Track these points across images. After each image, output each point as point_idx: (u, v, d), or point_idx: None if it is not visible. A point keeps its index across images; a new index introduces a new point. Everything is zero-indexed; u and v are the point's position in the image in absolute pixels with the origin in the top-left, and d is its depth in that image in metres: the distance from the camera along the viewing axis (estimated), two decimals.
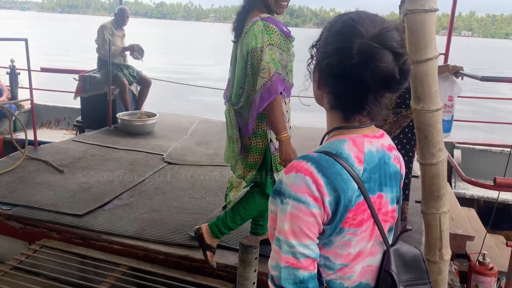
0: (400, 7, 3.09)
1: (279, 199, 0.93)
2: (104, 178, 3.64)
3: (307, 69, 1.02)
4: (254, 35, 2.12)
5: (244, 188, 2.45)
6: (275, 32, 2.15)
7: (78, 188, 3.40)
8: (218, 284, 2.35)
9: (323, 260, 0.97)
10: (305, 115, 6.44)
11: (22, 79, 6.03)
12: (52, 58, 21.70)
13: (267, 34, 2.12)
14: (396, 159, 1.06)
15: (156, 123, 5.30)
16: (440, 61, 3.52)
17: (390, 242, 1.05)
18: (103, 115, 5.39)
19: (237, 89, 2.30)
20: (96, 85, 5.57)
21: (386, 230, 1.03)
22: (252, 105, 2.19)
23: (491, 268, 2.85)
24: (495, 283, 2.89)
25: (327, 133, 1.03)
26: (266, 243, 2.29)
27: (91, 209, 3.01)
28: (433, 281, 1.22)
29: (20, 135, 5.40)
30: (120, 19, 5.56)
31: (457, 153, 5.17)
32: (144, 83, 5.86)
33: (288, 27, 2.28)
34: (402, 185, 1.10)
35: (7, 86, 6.06)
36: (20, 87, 6.07)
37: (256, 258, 1.89)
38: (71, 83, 5.83)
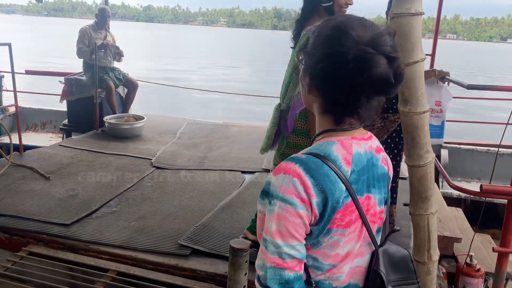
0: (386, 12, 3.12)
1: (267, 200, 0.94)
2: (92, 185, 3.59)
3: (293, 73, 1.05)
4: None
5: None
6: None
7: (65, 195, 3.35)
8: None
9: (312, 260, 0.98)
10: None
11: (6, 81, 5.94)
12: (37, 60, 21.44)
13: None
14: (384, 161, 1.07)
15: (144, 126, 5.26)
16: (427, 63, 3.56)
17: (379, 243, 1.06)
18: (90, 118, 5.34)
19: (284, 91, 2.37)
20: (82, 88, 5.51)
21: (374, 231, 1.04)
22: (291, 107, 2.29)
23: (478, 270, 2.90)
24: (482, 284, 2.94)
25: (317, 135, 1.04)
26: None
27: (78, 218, 2.96)
28: (422, 281, 1.23)
29: (5, 139, 5.32)
30: (101, 19, 5.51)
31: (444, 153, 5.24)
32: (131, 86, 5.82)
33: None
34: (390, 187, 1.11)
35: None
36: (4, 90, 5.98)
37: (246, 262, 1.88)
38: (57, 85, 5.77)
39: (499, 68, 36.52)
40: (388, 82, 0.91)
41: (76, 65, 6.13)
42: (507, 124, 2.28)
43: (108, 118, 5.17)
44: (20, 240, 2.78)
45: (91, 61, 5.31)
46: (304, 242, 0.94)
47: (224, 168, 4.18)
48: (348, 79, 0.92)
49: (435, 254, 1.23)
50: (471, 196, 4.71)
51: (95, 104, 5.23)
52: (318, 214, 0.92)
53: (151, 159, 4.30)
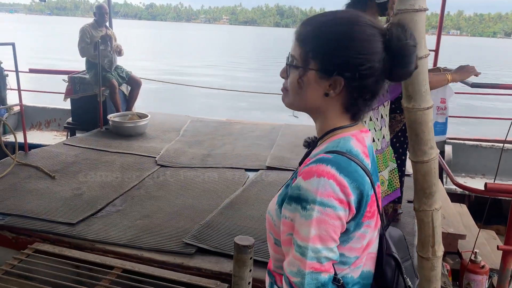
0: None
1: (298, 206, 0.91)
2: (97, 183, 3.60)
3: (300, 80, 0.98)
4: None
5: None
6: None
7: (70, 194, 3.36)
8: (213, 285, 2.34)
9: (340, 257, 0.99)
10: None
11: (11, 80, 5.97)
12: (41, 59, 21.51)
13: None
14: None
15: (148, 124, 5.27)
16: (430, 59, 3.55)
17: None
18: (94, 116, 5.36)
19: None
20: (85, 86, 5.53)
21: None
22: None
23: (483, 267, 2.89)
24: (487, 281, 2.93)
25: (326, 134, 1.03)
26: None
27: (84, 217, 2.97)
28: (426, 277, 1.24)
29: (10, 138, 5.35)
30: (100, 17, 5.52)
31: (448, 149, 5.22)
32: (134, 84, 5.84)
33: None
34: None
35: None
36: (8, 89, 6.01)
37: (251, 258, 1.89)
38: (60, 84, 5.79)
39: (504, 64, 36.31)
40: (413, 68, 0.97)
41: (79, 64, 6.15)
42: None
43: (112, 116, 5.19)
44: (26, 239, 2.80)
45: (94, 60, 5.32)
46: (338, 242, 0.94)
47: (228, 166, 4.19)
48: (382, 75, 0.96)
49: (440, 249, 1.23)
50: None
51: (99, 102, 5.25)
52: (355, 211, 0.93)
53: (155, 157, 4.31)
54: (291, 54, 1.00)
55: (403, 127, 2.92)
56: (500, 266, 2.37)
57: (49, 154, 4.28)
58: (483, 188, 2.30)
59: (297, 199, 0.92)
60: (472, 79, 2.82)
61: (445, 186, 4.67)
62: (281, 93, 1.07)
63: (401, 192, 3.10)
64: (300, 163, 1.07)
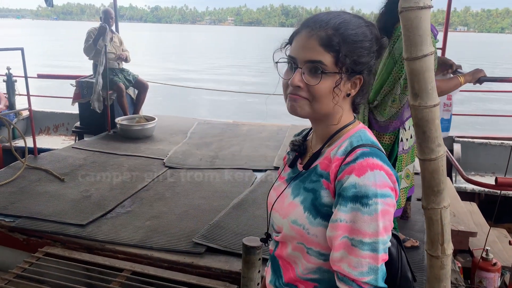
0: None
1: (357, 204, 0.90)
2: (106, 186, 3.63)
3: (336, 88, 0.97)
4: None
5: None
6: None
7: (80, 196, 3.40)
8: (222, 286, 2.35)
9: None
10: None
11: (19, 86, 6.03)
12: (48, 64, 21.72)
13: None
14: None
15: (155, 127, 5.30)
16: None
17: None
18: (101, 120, 5.40)
19: (378, 88, 2.37)
20: (93, 90, 5.57)
21: None
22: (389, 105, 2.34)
23: (495, 264, 2.86)
24: (499, 279, 2.90)
25: (337, 131, 1.03)
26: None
27: (94, 218, 3.00)
28: (436, 275, 1.23)
29: (20, 143, 5.41)
30: (105, 22, 5.56)
31: (457, 147, 5.18)
32: (141, 87, 5.87)
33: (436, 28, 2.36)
34: None
35: (4, 93, 6.06)
36: (17, 94, 6.07)
37: (259, 259, 1.89)
38: (68, 88, 5.84)
39: None
40: None
41: (86, 68, 6.20)
42: None
43: (120, 120, 5.22)
44: (37, 241, 2.83)
45: (95, 60, 5.34)
46: None
47: (236, 167, 4.19)
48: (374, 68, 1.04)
49: (449, 248, 1.22)
50: (485, 190, 4.66)
51: (107, 106, 5.29)
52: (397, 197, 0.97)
53: (163, 159, 4.34)
54: (316, 59, 0.95)
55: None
56: None
57: (58, 158, 4.32)
58: (493, 184, 2.28)
59: (355, 198, 0.90)
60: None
61: (454, 184, 4.63)
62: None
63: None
64: (306, 166, 1.05)
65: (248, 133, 5.50)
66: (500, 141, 5.27)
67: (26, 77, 4.21)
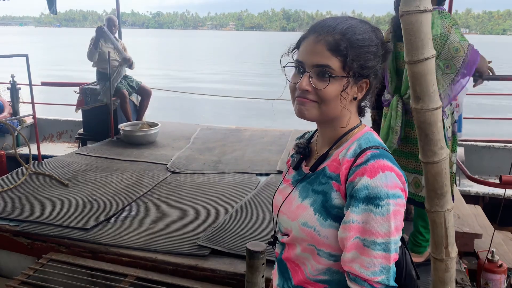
0: (396, 8, 3.10)
1: (369, 205, 0.91)
2: (109, 190, 3.65)
3: (344, 92, 0.98)
4: (432, 24, 2.21)
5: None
6: (449, 15, 2.29)
7: (84, 201, 3.41)
8: None
9: None
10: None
11: (23, 94, 6.07)
12: (51, 71, 21.83)
13: (445, 18, 2.25)
14: None
15: (158, 133, 5.32)
16: None
17: None
18: (105, 126, 5.43)
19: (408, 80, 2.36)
20: (96, 97, 5.60)
21: None
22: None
23: (500, 265, 2.85)
24: (505, 280, 2.88)
25: (344, 134, 1.05)
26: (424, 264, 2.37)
27: (98, 222, 3.02)
28: (440, 278, 1.22)
29: (23, 150, 5.44)
30: (108, 29, 5.60)
31: (460, 150, 5.16)
32: (145, 93, 5.90)
33: None
34: None
35: (8, 101, 6.10)
36: (21, 102, 6.11)
37: (263, 264, 1.89)
38: (71, 96, 5.87)
39: None
40: None
41: (90, 75, 6.23)
42: None
43: (123, 126, 5.24)
44: (42, 245, 2.84)
45: (98, 67, 5.37)
46: None
47: (239, 171, 4.20)
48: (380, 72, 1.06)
49: (453, 250, 1.22)
50: (490, 193, 4.65)
51: (110, 112, 5.31)
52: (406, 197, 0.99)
53: (167, 164, 4.35)
54: (324, 64, 0.96)
55: None
56: None
57: (62, 163, 4.34)
58: (498, 183, 2.28)
59: (367, 199, 0.91)
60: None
61: (458, 187, 4.62)
62: (290, 99, 1.04)
63: None
64: (313, 168, 1.05)
65: (251, 138, 5.51)
66: (503, 144, 5.25)
67: (30, 84, 4.24)
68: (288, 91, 1.05)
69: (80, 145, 5.72)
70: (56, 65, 26.74)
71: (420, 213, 2.58)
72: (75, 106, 5.77)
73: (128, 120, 5.59)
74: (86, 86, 5.71)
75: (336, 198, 0.98)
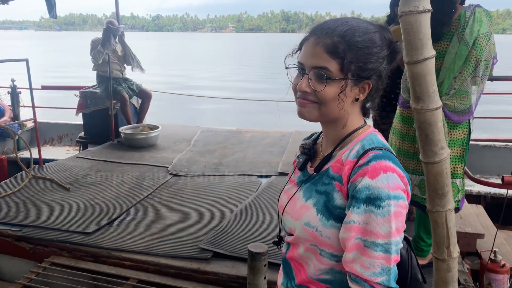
0: (393, 8, 3.12)
1: (370, 206, 0.92)
2: (111, 194, 3.65)
3: (341, 93, 0.99)
4: (480, 21, 2.20)
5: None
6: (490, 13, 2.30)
7: (85, 205, 3.41)
8: None
9: None
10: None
11: (23, 97, 6.08)
12: (52, 75, 21.87)
13: (489, 16, 2.24)
14: None
15: (159, 135, 5.32)
16: None
17: None
18: (105, 130, 5.43)
19: (449, 79, 2.31)
20: (97, 100, 5.61)
21: None
22: (470, 93, 2.30)
23: (503, 265, 2.84)
24: (508, 280, 2.88)
25: (347, 135, 1.05)
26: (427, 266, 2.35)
27: (99, 226, 3.02)
28: (443, 278, 1.22)
29: (24, 154, 5.44)
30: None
31: None
32: (145, 96, 5.90)
33: None
34: None
35: (9, 105, 6.11)
36: (21, 106, 6.12)
37: (265, 265, 1.89)
38: (71, 99, 5.87)
39: None
40: None
41: (90, 78, 6.24)
42: None
43: (124, 129, 5.25)
44: (43, 249, 2.84)
45: (99, 71, 5.37)
46: None
47: (240, 173, 4.20)
48: (386, 72, 1.05)
49: (455, 251, 1.22)
50: (491, 193, 4.64)
51: (110, 115, 5.31)
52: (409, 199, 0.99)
53: (168, 167, 4.35)
54: (322, 66, 0.97)
55: None
56: None
57: (63, 167, 4.34)
58: (500, 183, 2.28)
59: (368, 200, 0.92)
60: None
61: None
62: (292, 100, 1.05)
63: None
64: (318, 169, 1.06)
65: (252, 140, 5.51)
66: (504, 143, 5.24)
67: (31, 88, 4.25)
68: (290, 94, 1.07)
69: (81, 148, 5.73)
70: (56, 69, 26.78)
71: (422, 219, 2.56)
72: (75, 110, 5.77)
73: (129, 123, 5.60)
74: (87, 90, 5.71)
75: (338, 199, 0.99)
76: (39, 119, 5.52)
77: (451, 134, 2.34)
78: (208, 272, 2.49)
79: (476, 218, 3.56)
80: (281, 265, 1.19)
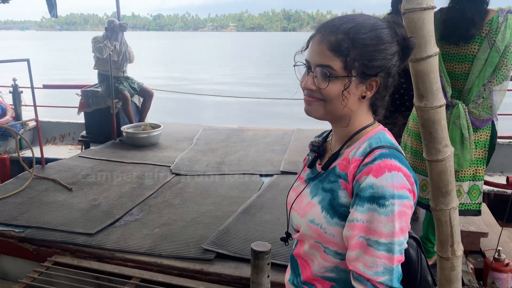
0: (396, 6, 3.10)
1: (374, 204, 0.91)
2: (113, 194, 3.65)
3: (345, 91, 0.98)
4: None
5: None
6: None
7: (88, 205, 3.41)
8: None
9: None
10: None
11: (25, 97, 6.08)
12: (53, 74, 21.90)
13: None
14: None
15: (161, 134, 5.32)
16: None
17: None
18: (107, 129, 5.43)
19: (478, 87, 2.28)
20: (98, 99, 5.61)
21: None
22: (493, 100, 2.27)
23: (507, 264, 2.83)
24: None
25: (355, 133, 1.04)
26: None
27: (102, 227, 3.01)
28: (447, 277, 1.22)
29: (27, 153, 5.45)
30: (110, 31, 5.60)
31: None
32: (146, 95, 5.90)
33: None
34: None
35: (11, 104, 6.12)
36: (23, 105, 6.13)
37: (268, 264, 1.89)
38: (73, 98, 5.88)
39: None
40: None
41: (91, 78, 6.24)
42: None
43: (126, 128, 5.25)
44: (47, 251, 2.84)
45: (105, 71, 5.38)
46: None
47: (242, 172, 4.19)
48: (394, 69, 1.02)
49: (459, 249, 1.22)
50: (495, 190, 4.62)
51: (112, 114, 5.32)
52: (415, 198, 0.98)
53: (170, 166, 4.35)
54: (325, 64, 0.97)
55: None
56: None
57: (65, 167, 4.34)
58: (505, 183, 2.27)
59: (371, 199, 0.91)
60: None
61: None
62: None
63: None
64: (325, 167, 1.06)
65: (254, 138, 5.51)
66: (508, 140, 5.22)
67: (32, 87, 4.25)
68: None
69: (83, 147, 5.73)
70: (57, 68, 26.82)
71: (432, 220, 2.54)
72: (77, 109, 5.78)
73: (131, 122, 5.60)
74: (88, 89, 5.71)
75: (343, 197, 0.98)
76: (41, 117, 5.53)
77: (473, 137, 2.32)
78: (211, 273, 2.48)
79: (480, 216, 3.55)
80: (289, 261, 1.20)
